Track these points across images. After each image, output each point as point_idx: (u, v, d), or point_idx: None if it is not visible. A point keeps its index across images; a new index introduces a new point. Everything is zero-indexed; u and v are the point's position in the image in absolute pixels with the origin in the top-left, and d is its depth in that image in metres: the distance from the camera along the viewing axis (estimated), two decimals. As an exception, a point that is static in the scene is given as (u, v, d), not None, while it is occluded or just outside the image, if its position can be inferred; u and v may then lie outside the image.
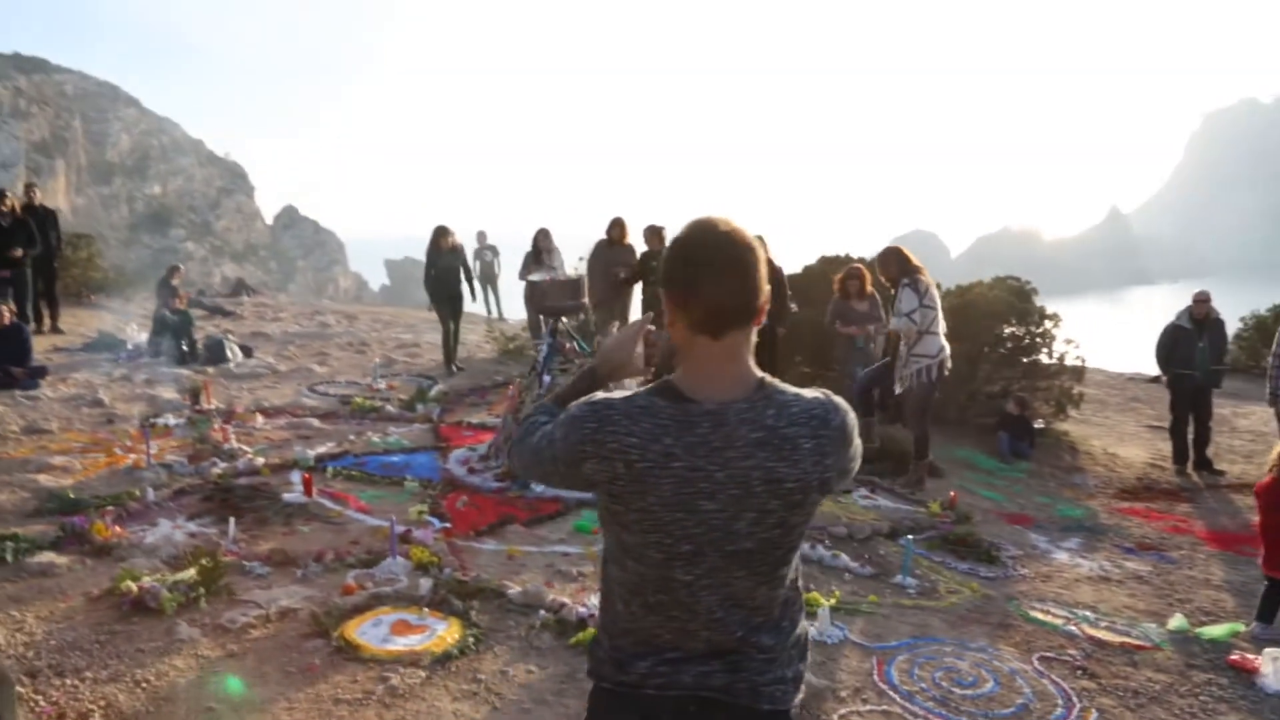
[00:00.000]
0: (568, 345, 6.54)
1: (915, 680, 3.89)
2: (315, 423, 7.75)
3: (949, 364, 6.56)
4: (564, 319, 6.61)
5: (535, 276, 7.43)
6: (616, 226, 9.70)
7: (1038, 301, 9.64)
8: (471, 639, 3.97)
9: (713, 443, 1.61)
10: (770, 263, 6.81)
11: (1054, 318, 9.53)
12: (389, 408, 8.27)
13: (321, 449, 6.86)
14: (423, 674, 3.69)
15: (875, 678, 3.88)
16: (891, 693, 3.77)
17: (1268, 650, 4.16)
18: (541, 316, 7.80)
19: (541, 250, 10.14)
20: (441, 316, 10.18)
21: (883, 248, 6.91)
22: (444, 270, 10.03)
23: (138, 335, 10.42)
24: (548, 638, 4.04)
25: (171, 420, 7.39)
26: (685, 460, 1.61)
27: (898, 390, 6.72)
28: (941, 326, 6.49)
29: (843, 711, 3.60)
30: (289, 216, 68.69)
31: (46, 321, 11.01)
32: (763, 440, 1.60)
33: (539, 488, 5.99)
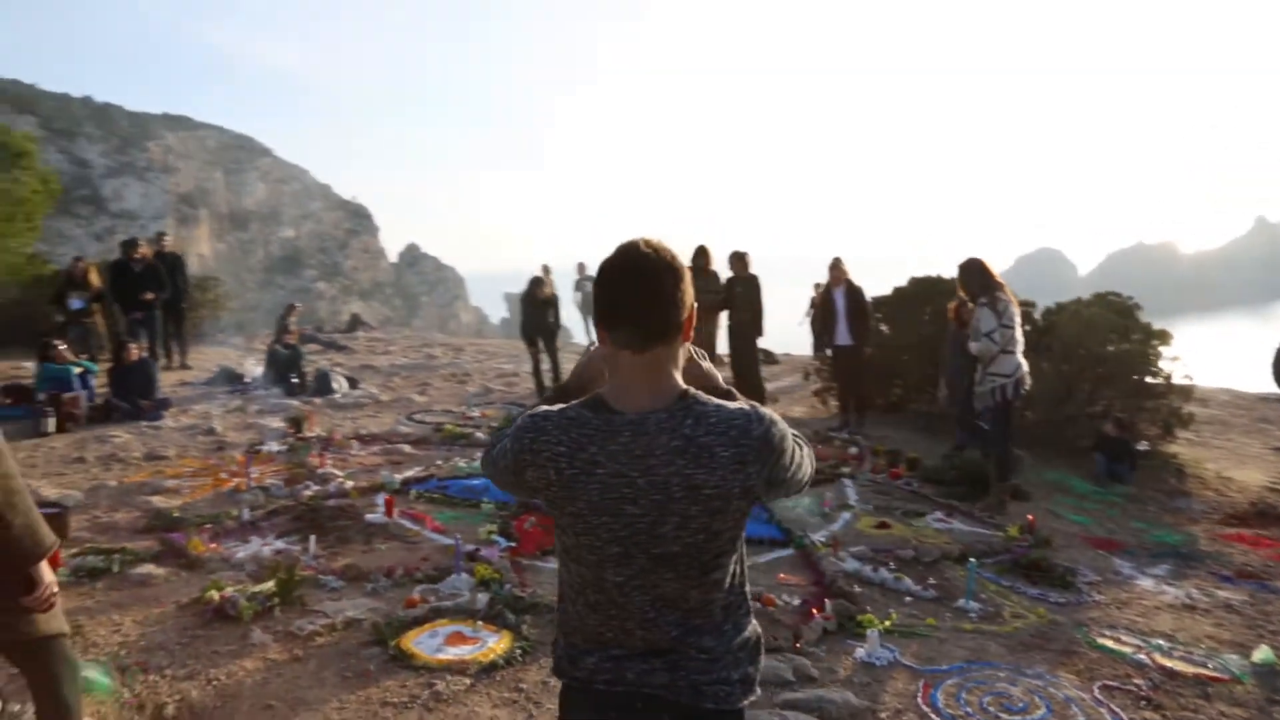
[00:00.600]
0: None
1: (961, 704, 3.80)
2: (407, 449, 8.11)
3: (1027, 382, 6.38)
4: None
5: (549, 289, 7.57)
6: (701, 255, 9.82)
7: (1143, 318, 9.24)
8: (519, 650, 4.11)
9: (634, 450, 1.71)
10: (852, 284, 6.86)
11: (1161, 335, 9.09)
12: (479, 434, 8.58)
13: (409, 473, 7.18)
14: (468, 681, 3.85)
15: (919, 700, 3.82)
16: (934, 716, 3.70)
17: (1356, 685, 3.89)
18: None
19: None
20: (532, 351, 10.52)
21: (965, 259, 6.74)
22: (534, 317, 10.41)
23: (254, 370, 11.14)
24: (593, 651, 4.14)
25: (274, 447, 7.87)
26: (609, 467, 1.72)
27: (978, 408, 6.62)
28: (1020, 345, 6.34)
29: (879, 732, 3.57)
30: (412, 254, 71.66)
31: (176, 358, 11.91)
32: (681, 449, 1.68)
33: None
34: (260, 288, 58.59)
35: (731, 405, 1.75)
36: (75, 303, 10.08)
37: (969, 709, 3.77)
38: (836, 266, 9.12)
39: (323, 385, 10.44)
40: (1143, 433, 8.55)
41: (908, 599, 4.91)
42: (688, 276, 1.79)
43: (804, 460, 1.86)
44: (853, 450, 7.98)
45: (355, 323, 19.56)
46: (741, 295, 9.53)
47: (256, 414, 9.38)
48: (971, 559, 5.15)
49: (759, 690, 1.91)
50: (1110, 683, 4.04)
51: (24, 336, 9.94)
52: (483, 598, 4.60)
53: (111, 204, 53.60)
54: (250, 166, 63.65)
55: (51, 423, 8.09)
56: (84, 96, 57.44)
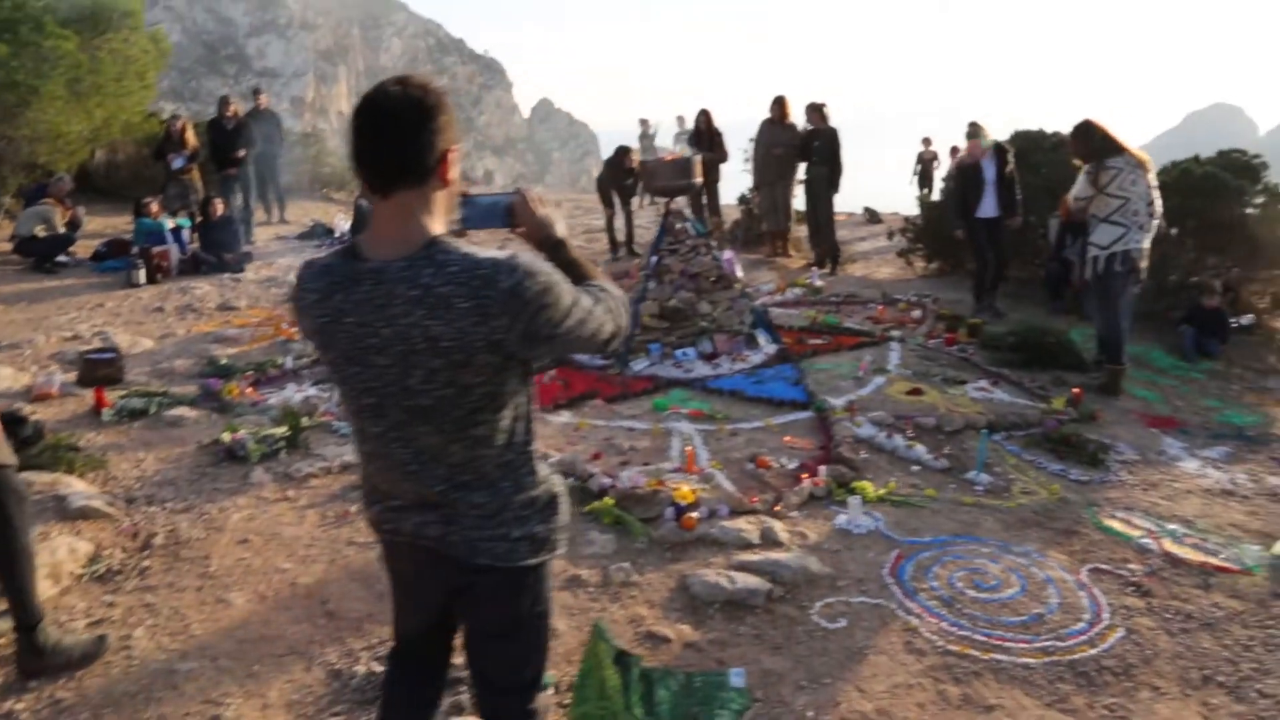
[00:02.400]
0: (678, 226, 6.47)
1: (929, 578, 3.67)
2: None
3: (1135, 258, 5.79)
4: (674, 199, 6.51)
5: (645, 157, 7.35)
6: (778, 105, 9.35)
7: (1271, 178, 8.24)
8: (496, 501, 4.20)
9: (376, 300, 1.66)
10: (1001, 147, 6.24)
11: (1292, 197, 8.11)
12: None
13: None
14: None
15: (886, 571, 3.70)
16: (895, 587, 3.59)
17: (1377, 583, 3.52)
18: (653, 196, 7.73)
19: (701, 131, 9.97)
20: (607, 211, 10.39)
21: (1079, 121, 6.13)
22: (613, 178, 10.16)
23: (344, 224, 11.47)
24: (567, 504, 4.19)
25: (340, 298, 8.15)
26: (355, 316, 1.68)
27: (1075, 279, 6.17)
28: (1137, 215, 5.75)
29: (829, 600, 3.49)
30: (544, 110, 71.46)
31: (275, 212, 12.39)
32: (419, 298, 1.61)
33: (638, 366, 6.11)
34: (396, 145, 59.89)
35: (482, 254, 1.65)
36: (176, 161, 10.52)
37: (935, 583, 3.63)
38: (978, 135, 7.79)
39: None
40: (1251, 305, 7.77)
41: (915, 468, 4.72)
42: (442, 117, 1.67)
43: (591, 316, 1.76)
44: (915, 314, 7.59)
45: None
46: (819, 149, 9.03)
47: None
48: (985, 429, 4.87)
49: (556, 548, 1.90)
50: (1102, 566, 3.79)
51: (144, 192, 10.51)
52: (475, 449, 4.70)
53: (255, 61, 55.29)
54: (386, 22, 64.06)
55: (142, 274, 8.62)
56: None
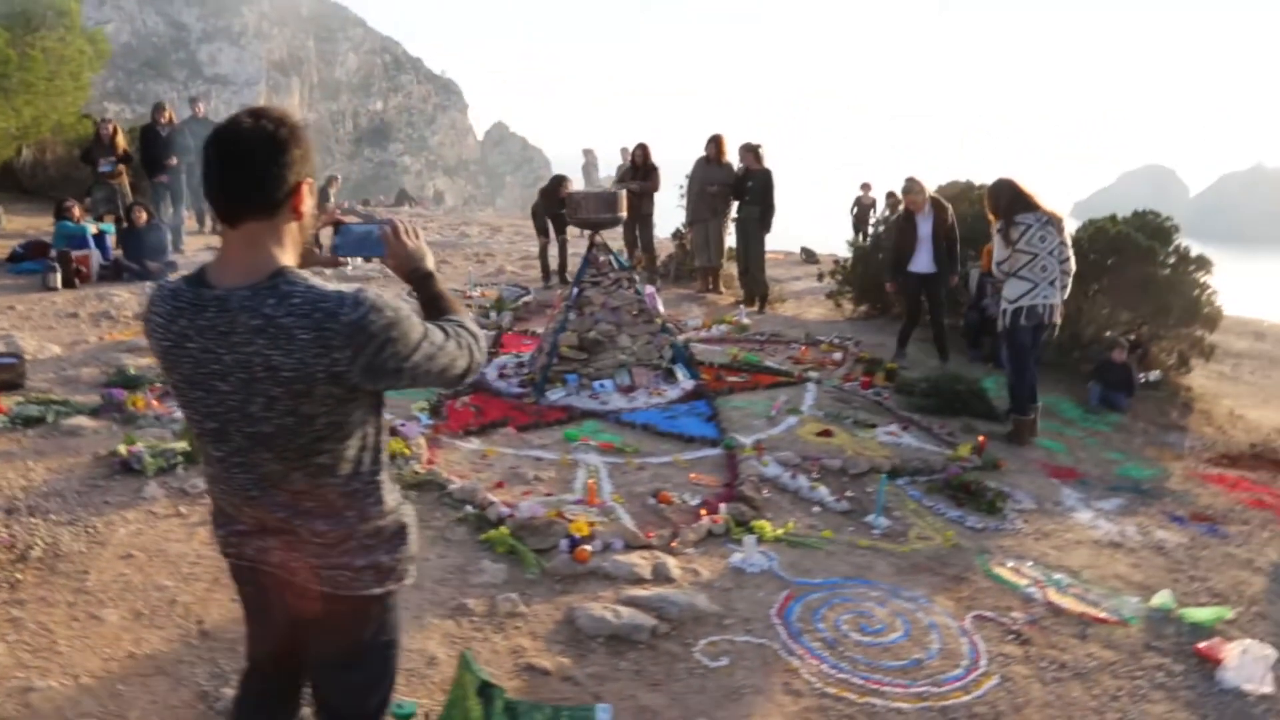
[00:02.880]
0: (602, 259, 6.52)
1: (816, 619, 3.70)
2: (390, 323, 8.17)
3: (1040, 314, 5.93)
4: (599, 232, 6.55)
5: (573, 189, 7.41)
6: (714, 143, 9.49)
7: (1182, 241, 8.59)
8: (392, 527, 4.15)
9: (219, 327, 1.67)
10: (939, 203, 6.33)
11: (1200, 262, 8.46)
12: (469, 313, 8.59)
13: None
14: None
15: (774, 611, 3.73)
16: (780, 628, 3.62)
17: (1240, 641, 3.65)
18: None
19: (638, 164, 10.08)
20: (541, 239, 10.40)
21: (995, 180, 6.29)
22: (549, 207, 10.17)
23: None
24: (462, 531, 4.17)
25: (263, 312, 8.02)
26: (198, 342, 1.69)
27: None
28: (1047, 271, 5.90)
29: (714, 638, 3.50)
30: (499, 133, 71.47)
31: (208, 223, 12.18)
32: (260, 328, 1.63)
33: (554, 396, 6.10)
34: (348, 159, 59.36)
35: (327, 287, 1.67)
36: (104, 165, 10.29)
37: (822, 625, 3.67)
38: (914, 190, 7.65)
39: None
40: (1159, 362, 8.06)
41: (816, 509, 4.78)
42: (296, 150, 1.70)
43: (442, 352, 1.78)
44: (836, 356, 7.72)
45: (402, 197, 19.72)
46: (752, 189, 9.18)
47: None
48: (885, 474, 4.96)
49: (404, 578, 1.91)
50: (986, 613, 3.87)
51: (71, 194, 10.24)
52: (377, 473, 4.64)
53: (206, 68, 54.51)
54: (343, 36, 63.67)
55: (58, 278, 8.39)
56: (183, -42, 57.81)
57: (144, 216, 9.12)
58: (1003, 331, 6.12)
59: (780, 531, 4.40)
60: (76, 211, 9.22)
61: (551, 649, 3.36)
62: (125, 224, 9.36)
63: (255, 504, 1.78)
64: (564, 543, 3.99)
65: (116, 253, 9.24)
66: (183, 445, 4.75)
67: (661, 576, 3.88)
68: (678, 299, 9.94)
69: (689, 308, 9.61)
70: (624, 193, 6.58)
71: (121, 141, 10.50)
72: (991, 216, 6.17)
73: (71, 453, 4.80)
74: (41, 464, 4.64)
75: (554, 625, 3.51)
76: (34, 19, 11.94)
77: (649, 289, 6.73)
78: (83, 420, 5.19)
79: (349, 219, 2.21)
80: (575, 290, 6.41)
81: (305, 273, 1.70)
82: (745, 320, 8.68)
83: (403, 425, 5.32)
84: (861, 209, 16.99)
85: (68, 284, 8.46)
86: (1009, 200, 6.00)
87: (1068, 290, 6.08)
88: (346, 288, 1.67)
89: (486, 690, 2.59)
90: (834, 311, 10.08)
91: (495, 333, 7.90)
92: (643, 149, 10.12)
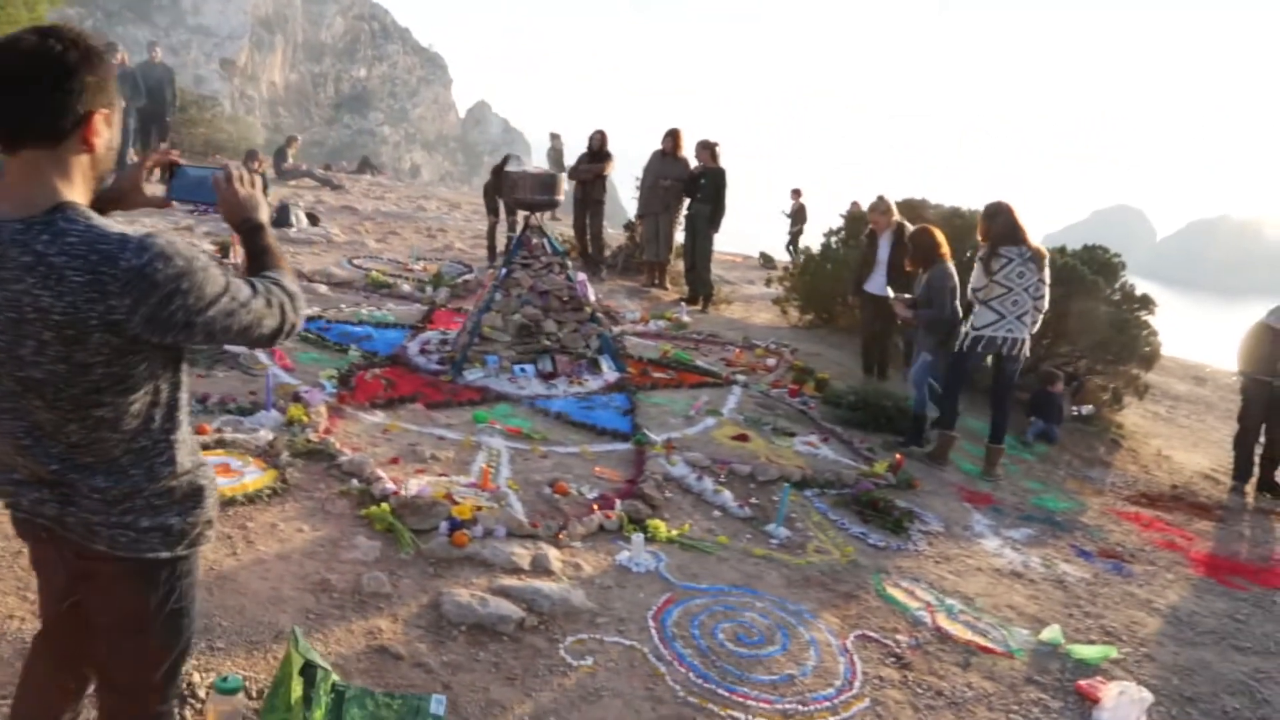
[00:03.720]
0: (534, 241, 6.35)
1: (693, 625, 3.58)
2: (322, 289, 7.96)
3: (998, 345, 5.94)
4: (535, 214, 6.39)
5: (511, 168, 7.26)
6: (670, 137, 9.36)
7: (1129, 278, 8.62)
8: (270, 491, 3.98)
9: None
10: (903, 228, 6.16)
11: (1144, 301, 8.49)
12: (404, 286, 8.38)
13: (306, 312, 7.01)
14: (194, 515, 3.72)
15: (650, 614, 3.60)
16: (654, 630, 3.49)
17: (1119, 682, 3.58)
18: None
19: (595, 150, 9.92)
20: (491, 218, 10.22)
21: (992, 202, 6.21)
22: (498, 185, 9.98)
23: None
24: (343, 505, 4.00)
25: (190, 265, 7.76)
26: None
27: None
28: (1018, 305, 5.89)
29: (583, 636, 3.37)
30: (481, 112, 70.85)
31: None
32: (30, 265, 1.49)
33: (471, 376, 5.93)
34: (326, 124, 58.53)
35: (111, 229, 1.53)
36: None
37: (697, 631, 3.55)
38: (879, 210, 7.55)
39: (281, 218, 10.31)
40: (1094, 396, 8.06)
41: (717, 513, 4.66)
42: (88, 76, 1.54)
43: (245, 309, 1.66)
44: (770, 361, 7.62)
45: (364, 165, 19.38)
46: (704, 186, 9.06)
47: (201, 236, 9.28)
48: (788, 483, 4.86)
49: (198, 543, 1.80)
50: (871, 634, 3.77)
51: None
52: (265, 435, 4.46)
53: (189, 17, 53.39)
54: (331, -1, 62.68)
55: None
56: (174, -100, 56.61)
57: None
58: (956, 351, 6.07)
59: (675, 533, 4.28)
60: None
61: (409, 634, 3.20)
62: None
63: (27, 453, 1.64)
64: (444, 525, 3.83)
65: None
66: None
67: (540, 568, 3.74)
68: (623, 291, 9.79)
69: (632, 301, 9.47)
70: (562, 176, 6.43)
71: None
72: (980, 238, 6.11)
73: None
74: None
75: (418, 609, 3.36)
76: (-12, -57, 11.54)
77: (580, 276, 6.58)
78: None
79: (183, 161, 2.08)
80: (504, 271, 6.24)
81: (89, 210, 1.56)
82: (685, 318, 8.56)
83: (306, 392, 5.13)
84: (795, 216, 16.66)
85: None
86: (1001, 229, 5.95)
87: (1037, 325, 6.08)
88: (134, 230, 1.53)
89: (308, 670, 2.43)
90: (780, 318, 9.99)
91: (428, 308, 7.70)
92: (601, 135, 9.96)
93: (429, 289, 8.35)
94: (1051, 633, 4.01)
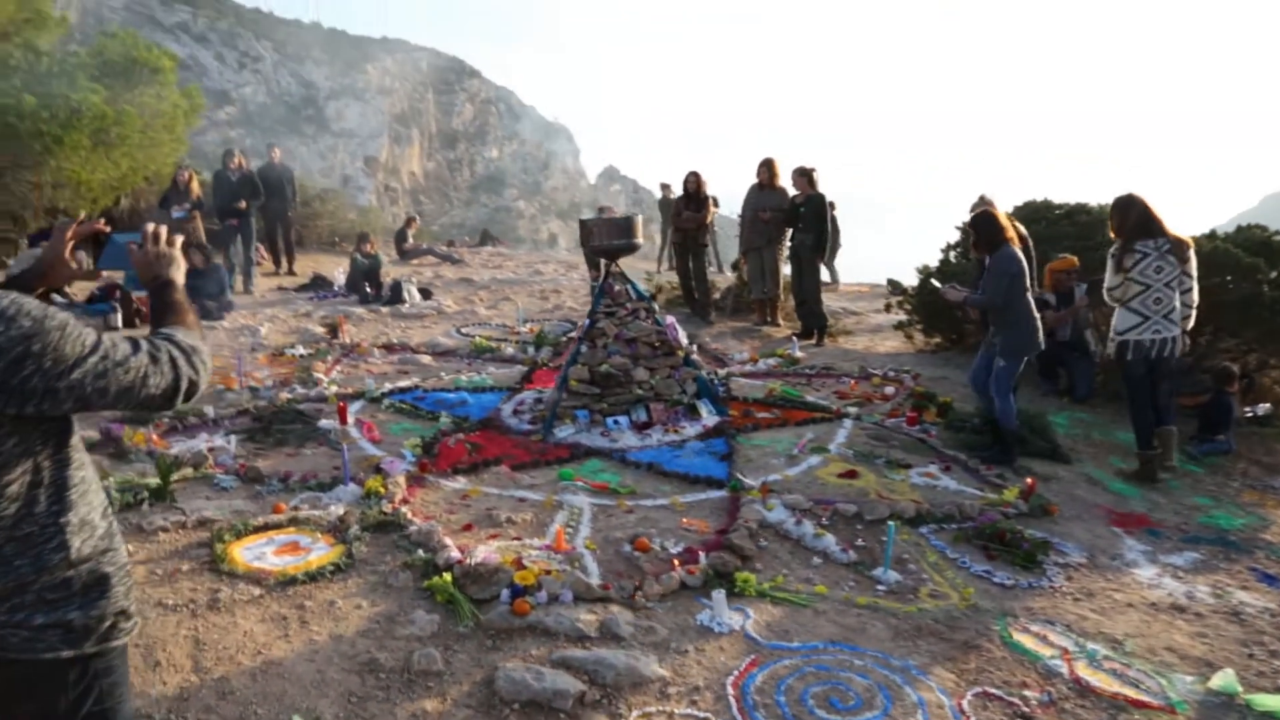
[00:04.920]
0: (616, 288, 6.14)
1: (779, 691, 3.17)
2: (425, 359, 8.01)
3: (1147, 349, 5.49)
4: (615, 261, 6.18)
5: (586, 216, 7.08)
6: (766, 168, 9.02)
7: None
8: (334, 567, 3.86)
9: None
10: (1017, 227, 5.66)
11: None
12: (508, 349, 8.35)
13: (403, 383, 7.05)
14: (257, 592, 3.64)
15: (730, 680, 3.21)
16: (732, 700, 3.11)
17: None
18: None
19: (690, 193, 9.69)
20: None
21: (1122, 195, 5.71)
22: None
23: (341, 277, 11.44)
24: (406, 577, 3.81)
25: (301, 351, 7.99)
26: None
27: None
28: (1164, 302, 5.45)
29: (649, 710, 3.03)
30: (610, 175, 72.42)
31: (284, 264, 12.47)
32: None
33: (561, 433, 5.73)
34: (464, 205, 61.23)
35: None
36: (177, 212, 10.60)
37: (783, 698, 3.14)
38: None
39: (395, 295, 10.57)
40: (1268, 393, 7.07)
41: (818, 560, 4.22)
42: None
43: (124, 369, 1.54)
44: (889, 389, 7.07)
45: (485, 237, 19.91)
46: (805, 215, 8.66)
47: (319, 319, 9.60)
48: (892, 521, 4.36)
49: (111, 638, 1.64)
50: (993, 690, 3.24)
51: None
52: (336, 510, 4.37)
53: (334, 124, 57.34)
54: (459, 88, 66.01)
55: (118, 317, 8.62)
56: (314, 23, 61.45)
57: (199, 259, 9.32)
58: (1118, 366, 5.74)
59: (766, 585, 3.88)
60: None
61: (457, 714, 2.96)
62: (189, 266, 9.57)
63: None
64: (505, 593, 3.58)
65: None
66: (155, 481, 4.60)
67: (609, 634, 3.42)
68: (731, 332, 9.45)
69: (742, 341, 9.10)
70: (640, 218, 6.21)
71: (195, 188, 10.83)
72: (1113, 234, 5.65)
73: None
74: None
75: (470, 687, 3.11)
76: (131, 77, 12.58)
77: (669, 319, 6.30)
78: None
79: (108, 230, 2.01)
80: (588, 322, 6.05)
81: None
82: (797, 353, 8.11)
83: (388, 463, 5.05)
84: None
85: (128, 323, 8.67)
86: (1135, 221, 5.52)
87: (1190, 322, 5.60)
88: None
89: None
90: (905, 344, 9.38)
91: (528, 369, 7.60)
92: (695, 176, 9.73)
93: (530, 349, 8.27)
94: (1224, 679, 3.35)
